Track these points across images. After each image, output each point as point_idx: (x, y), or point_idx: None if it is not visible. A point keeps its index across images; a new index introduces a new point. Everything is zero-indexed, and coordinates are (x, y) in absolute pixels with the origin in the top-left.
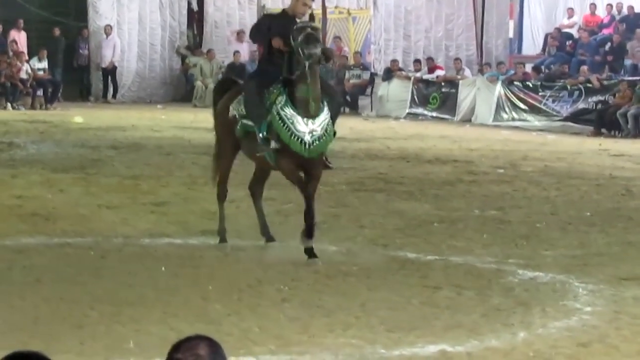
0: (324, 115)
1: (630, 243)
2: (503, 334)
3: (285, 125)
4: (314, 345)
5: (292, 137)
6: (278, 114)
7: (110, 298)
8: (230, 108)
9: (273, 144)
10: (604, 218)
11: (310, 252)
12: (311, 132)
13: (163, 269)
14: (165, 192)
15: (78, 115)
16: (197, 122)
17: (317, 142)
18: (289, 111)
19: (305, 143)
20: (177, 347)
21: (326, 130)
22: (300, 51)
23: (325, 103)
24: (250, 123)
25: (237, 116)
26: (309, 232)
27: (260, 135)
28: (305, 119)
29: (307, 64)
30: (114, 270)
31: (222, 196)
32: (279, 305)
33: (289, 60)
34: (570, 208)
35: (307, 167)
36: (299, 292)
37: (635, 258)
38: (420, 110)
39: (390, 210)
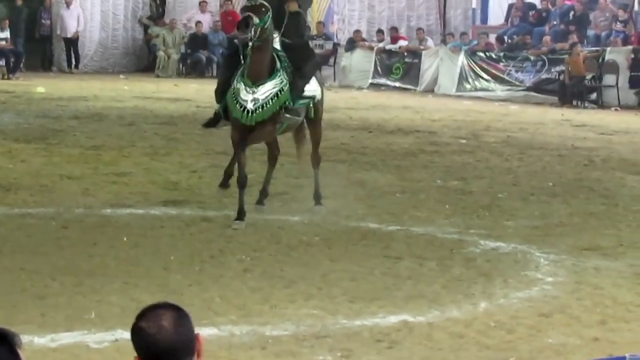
0: (272, 84)
1: (591, 213)
2: (464, 304)
3: (233, 93)
4: (275, 315)
5: (236, 105)
6: (233, 82)
7: (72, 268)
8: None
9: (222, 122)
10: (566, 188)
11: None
12: (253, 100)
13: (125, 239)
14: (126, 162)
15: (40, 86)
16: (160, 92)
17: (259, 109)
18: (239, 80)
19: (246, 111)
20: (143, 314)
21: (271, 99)
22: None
23: (283, 73)
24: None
25: None
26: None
27: (217, 110)
28: (247, 88)
29: (248, 44)
30: (75, 241)
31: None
32: (241, 276)
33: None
34: (532, 178)
35: (257, 135)
36: (260, 263)
37: (596, 228)
38: (383, 80)
39: (352, 181)
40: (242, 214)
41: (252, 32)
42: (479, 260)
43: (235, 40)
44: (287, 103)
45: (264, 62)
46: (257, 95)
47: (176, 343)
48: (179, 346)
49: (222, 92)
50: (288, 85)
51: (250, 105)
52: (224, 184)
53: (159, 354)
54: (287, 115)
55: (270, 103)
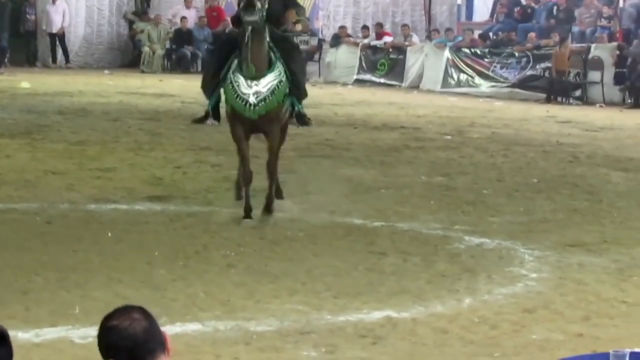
0: (272, 76)
1: (575, 210)
2: (448, 300)
3: (232, 87)
4: (259, 310)
5: (237, 99)
6: (229, 77)
7: (56, 264)
8: None
9: (210, 120)
10: (550, 185)
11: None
12: (256, 93)
13: (109, 234)
14: (111, 157)
15: (25, 81)
16: (144, 87)
17: (262, 102)
18: (237, 74)
19: (249, 104)
20: (110, 316)
21: (273, 92)
22: (241, 17)
23: (280, 64)
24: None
25: None
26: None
27: (207, 107)
28: (249, 81)
29: (248, 29)
30: (60, 236)
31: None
32: (225, 271)
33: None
34: (516, 174)
35: (262, 128)
36: (245, 258)
37: (580, 224)
38: (368, 76)
39: (336, 177)
40: (249, 210)
41: (258, 17)
42: (463, 256)
43: (247, 19)
44: (295, 108)
45: (265, 49)
46: (259, 88)
47: (151, 331)
48: (154, 335)
49: (212, 87)
50: (285, 75)
51: (252, 99)
52: (247, 214)
53: (138, 345)
54: (298, 123)
55: (274, 94)
